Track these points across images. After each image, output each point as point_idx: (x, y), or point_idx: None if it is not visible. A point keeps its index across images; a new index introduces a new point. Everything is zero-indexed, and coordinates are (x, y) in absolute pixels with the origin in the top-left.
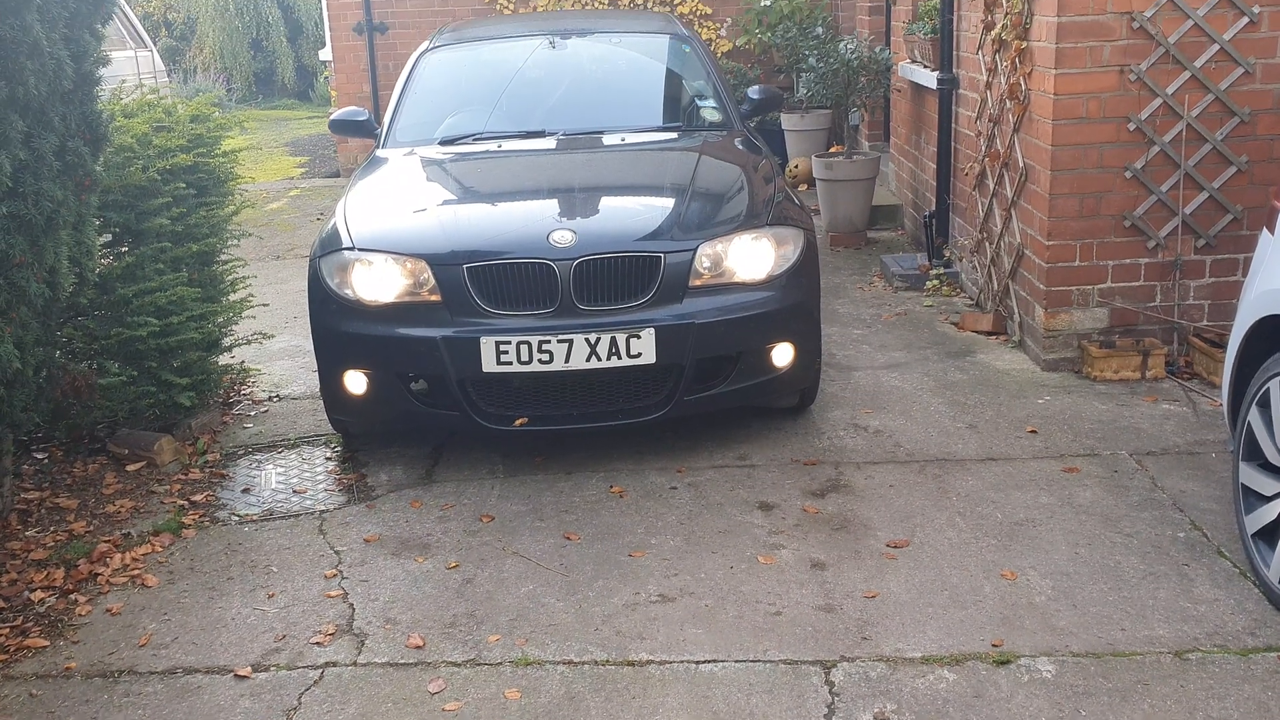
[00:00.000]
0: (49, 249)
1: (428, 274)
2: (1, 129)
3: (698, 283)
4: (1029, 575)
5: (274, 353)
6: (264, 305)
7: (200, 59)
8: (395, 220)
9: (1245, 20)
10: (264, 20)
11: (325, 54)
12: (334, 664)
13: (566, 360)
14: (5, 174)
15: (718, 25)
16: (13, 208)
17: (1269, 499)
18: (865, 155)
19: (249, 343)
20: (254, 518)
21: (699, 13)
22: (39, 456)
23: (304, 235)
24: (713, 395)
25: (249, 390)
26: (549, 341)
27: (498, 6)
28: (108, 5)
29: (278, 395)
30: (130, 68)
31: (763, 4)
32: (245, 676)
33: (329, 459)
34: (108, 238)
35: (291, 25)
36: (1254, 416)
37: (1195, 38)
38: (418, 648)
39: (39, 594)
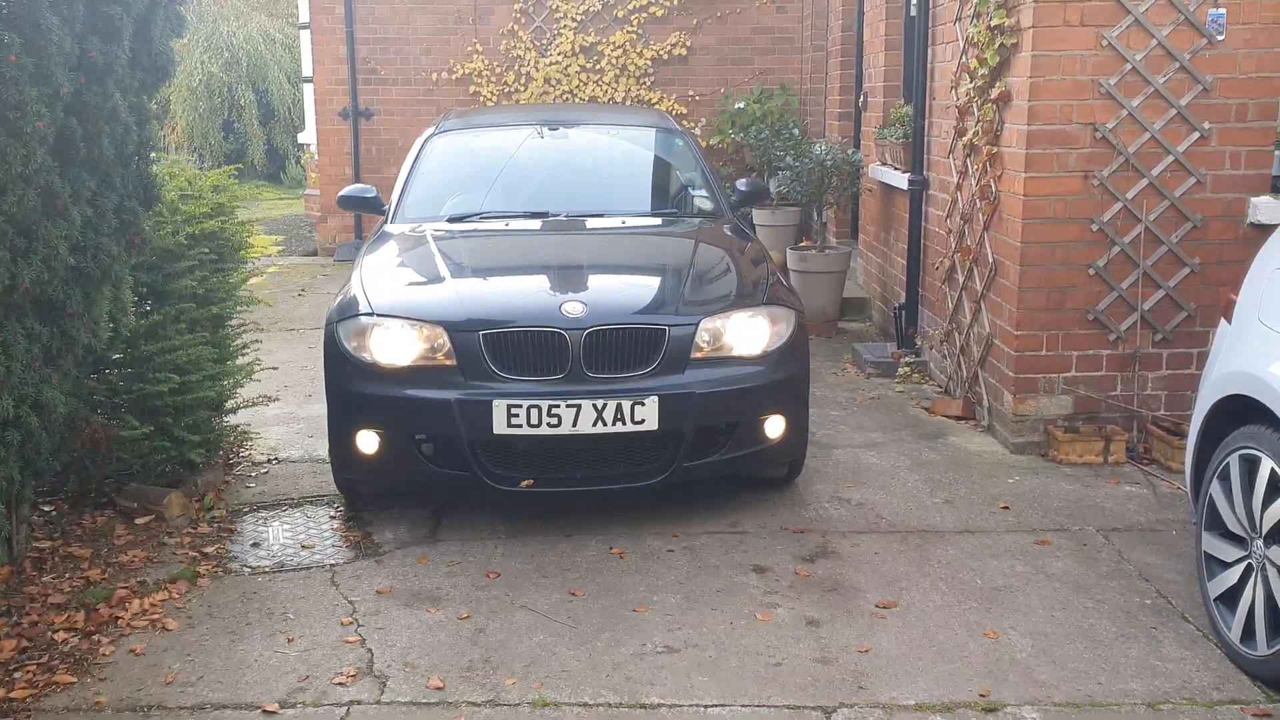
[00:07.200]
0: (98, 302)
1: (444, 339)
2: (75, 186)
3: (698, 355)
4: (1010, 635)
5: (269, 418)
6: (273, 369)
7: (173, 138)
8: (412, 289)
9: (1197, 135)
10: (237, 103)
11: (304, 137)
12: (359, 702)
13: (574, 424)
14: (75, 228)
15: (692, 125)
16: (75, 260)
17: (1230, 564)
18: (836, 250)
19: (251, 405)
20: (266, 569)
21: (674, 112)
22: (46, 509)
23: (285, 310)
24: (710, 463)
25: (248, 452)
26: (558, 406)
27: (481, 99)
28: (167, 73)
29: (276, 458)
30: None
31: (736, 106)
32: (273, 712)
33: (333, 517)
34: (134, 298)
35: (264, 109)
36: (1215, 489)
37: (1152, 149)
38: (438, 689)
39: (62, 634)
